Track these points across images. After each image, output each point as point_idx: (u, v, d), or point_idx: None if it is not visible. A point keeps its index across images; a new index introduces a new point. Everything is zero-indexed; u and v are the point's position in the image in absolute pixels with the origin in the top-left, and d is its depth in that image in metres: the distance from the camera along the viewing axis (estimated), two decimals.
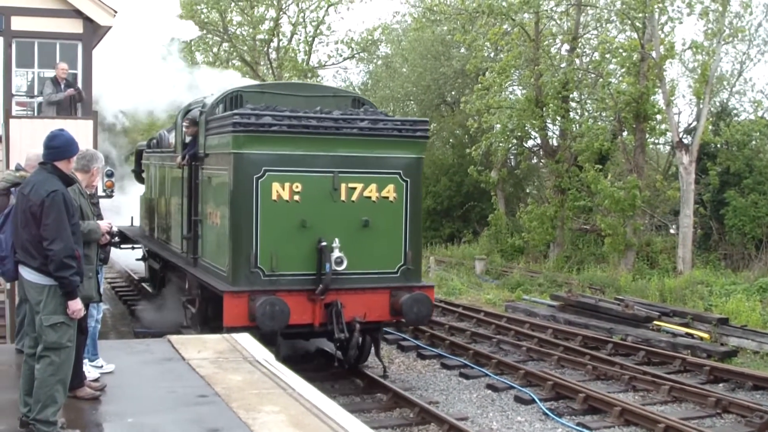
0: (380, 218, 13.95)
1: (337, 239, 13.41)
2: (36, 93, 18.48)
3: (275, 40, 45.78)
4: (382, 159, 14.02)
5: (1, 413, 7.66)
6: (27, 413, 6.92)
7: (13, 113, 17.85)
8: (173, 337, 10.94)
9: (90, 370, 8.62)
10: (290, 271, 13.52)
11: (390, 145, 14.04)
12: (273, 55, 46.50)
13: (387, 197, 14.01)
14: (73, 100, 17.24)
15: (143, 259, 22.48)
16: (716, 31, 27.80)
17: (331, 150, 13.64)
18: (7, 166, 15.86)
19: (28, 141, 15.84)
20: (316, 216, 13.52)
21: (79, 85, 17.82)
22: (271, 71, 45.22)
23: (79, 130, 14.98)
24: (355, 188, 13.77)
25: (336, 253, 13.34)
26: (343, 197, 13.70)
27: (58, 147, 7.08)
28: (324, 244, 13.34)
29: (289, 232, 13.42)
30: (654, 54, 27.53)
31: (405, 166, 14.20)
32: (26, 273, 6.89)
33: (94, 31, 18.76)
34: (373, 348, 15.12)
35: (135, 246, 22.97)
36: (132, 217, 24.52)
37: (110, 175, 21.16)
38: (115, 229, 9.02)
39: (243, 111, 13.55)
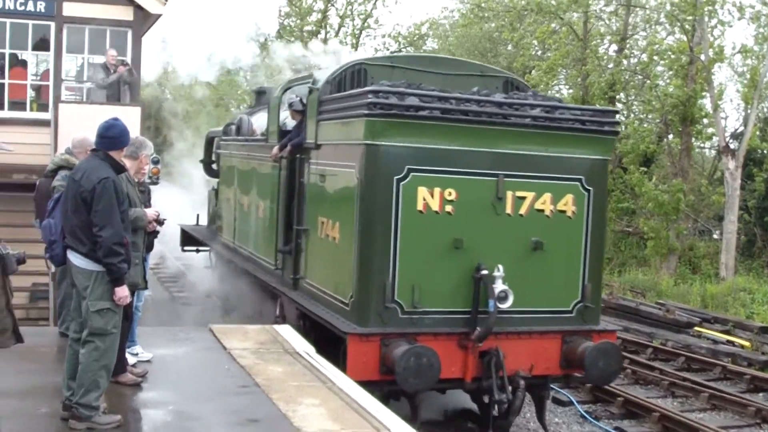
0: (554, 239, 10.73)
1: (500, 266, 10.25)
2: (85, 78, 18.65)
3: (323, 32, 45.87)
4: (560, 160, 10.75)
5: (44, 395, 7.74)
6: (70, 397, 6.97)
7: (63, 98, 18.05)
8: (215, 327, 10.98)
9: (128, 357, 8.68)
10: (437, 307, 10.34)
11: (570, 141, 10.79)
12: (319, 48, 46.50)
13: (564, 211, 10.79)
14: (124, 81, 17.34)
15: (213, 268, 19.02)
16: (767, 36, 27.48)
17: (495, 145, 10.48)
18: (55, 150, 16.04)
19: (77, 126, 15.98)
20: (473, 234, 10.36)
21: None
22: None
23: (127, 117, 15.09)
24: (524, 198, 10.59)
25: (499, 285, 10.20)
26: (508, 209, 10.52)
27: (114, 137, 7.12)
28: (485, 272, 10.20)
29: (437, 254, 10.27)
30: (703, 57, 27.27)
31: (588, 171, 10.92)
32: (74, 258, 6.94)
33: (144, 19, 18.90)
34: (533, 408, 12.02)
35: (201, 249, 20.23)
36: (198, 215, 21.37)
37: (156, 162, 17.23)
38: (163, 217, 8.59)
39: (380, 88, 10.29)
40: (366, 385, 8.86)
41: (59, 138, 16.31)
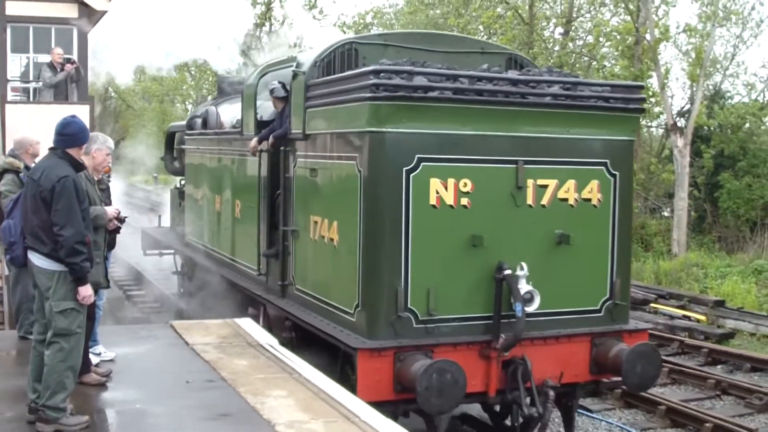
0: (579, 231, 9.71)
1: (524, 264, 9.23)
2: (32, 78, 18.43)
3: (267, 24, 45.68)
4: (583, 143, 9.79)
5: (7, 400, 7.64)
6: (36, 399, 6.89)
7: (8, 99, 17.82)
8: (176, 323, 10.92)
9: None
10: (454, 313, 9.22)
11: (593, 121, 9.79)
12: (265, 39, 46.34)
13: (589, 200, 9.81)
14: (71, 79, 17.15)
15: (180, 273, 17.86)
16: (710, 14, 27.81)
17: (512, 128, 9.42)
18: (3, 152, 15.84)
19: (25, 126, 15.82)
20: (492, 229, 9.28)
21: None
22: (263, 55, 45.04)
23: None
24: (546, 186, 9.57)
25: (524, 286, 9.18)
26: (529, 200, 9.49)
27: (71, 134, 7.03)
28: (508, 272, 9.16)
29: (453, 254, 9.18)
30: (648, 37, 27.52)
31: (613, 154, 9.94)
32: (36, 259, 6.86)
33: (89, 16, 18.69)
34: (561, 420, 10.87)
35: (164, 252, 19.02)
36: (159, 217, 20.82)
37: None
38: (123, 215, 8.33)
39: (384, 67, 9.09)
40: (379, 405, 8.01)
41: (6, 139, 16.10)
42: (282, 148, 11.28)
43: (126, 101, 63.87)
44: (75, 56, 18.03)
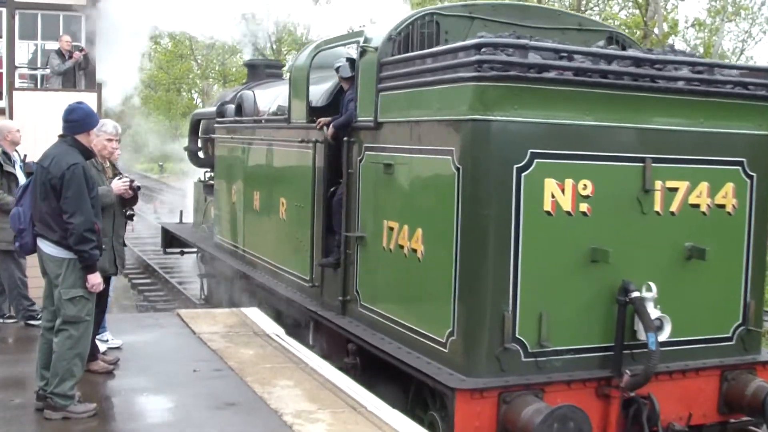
0: (713, 243, 8.18)
1: (652, 284, 7.73)
2: (39, 65, 18.40)
3: (273, 13, 45.57)
4: (717, 137, 8.21)
5: (15, 386, 7.69)
6: (44, 387, 6.91)
7: (17, 86, 17.80)
8: (183, 312, 10.93)
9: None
10: (568, 343, 7.72)
11: (729, 111, 8.21)
12: (271, 29, 46.26)
13: (723, 206, 8.30)
14: (79, 66, 17.12)
15: (207, 276, 16.30)
16: (720, 9, 27.75)
17: (640, 118, 7.87)
18: None
19: (33, 113, 15.85)
20: (615, 241, 7.74)
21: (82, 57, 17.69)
22: (269, 45, 45.04)
23: None
24: (676, 190, 8.07)
25: (653, 311, 7.68)
26: (657, 206, 7.98)
27: (77, 120, 7.03)
28: (635, 294, 7.65)
29: (569, 271, 7.68)
30: (657, 31, 27.46)
31: (750, 151, 8.39)
32: (45, 246, 6.87)
33: (97, 3, 18.63)
34: None
35: (186, 251, 17.85)
36: (181, 212, 19.25)
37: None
38: (136, 183, 8.08)
39: (494, 39, 7.55)
40: None
41: None
42: (346, 139, 9.67)
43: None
44: (83, 43, 17.99)
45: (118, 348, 8.94)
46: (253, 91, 14.23)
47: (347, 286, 9.68)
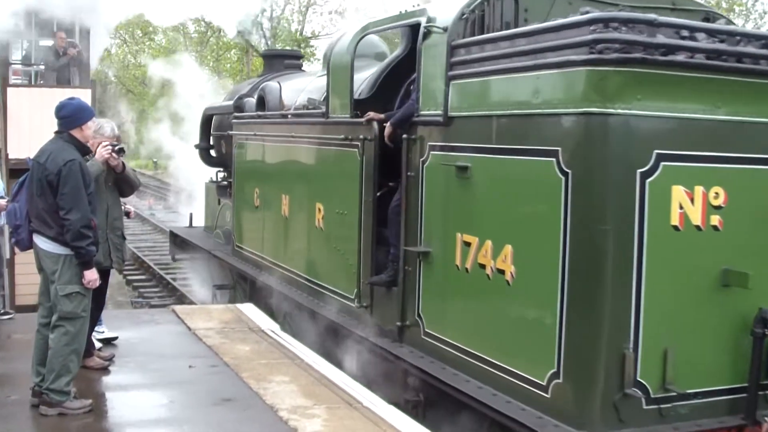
0: None
1: None
2: (33, 61, 18.44)
3: (268, 9, 45.61)
4: None
5: (11, 383, 7.68)
6: (40, 383, 6.91)
7: (10, 82, 17.81)
8: (178, 308, 10.94)
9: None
10: (696, 386, 6.41)
11: None
12: (266, 25, 46.29)
13: None
14: (74, 63, 17.13)
15: (224, 288, 14.28)
16: (714, 5, 27.78)
17: None
18: (5, 135, 15.83)
19: (27, 109, 15.85)
20: (751, 262, 6.43)
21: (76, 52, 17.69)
22: (264, 41, 45.04)
23: None
24: None
25: None
26: None
27: (68, 116, 7.02)
28: None
29: (697, 298, 6.36)
30: None
31: None
32: (41, 242, 6.87)
33: None
34: None
35: (197, 257, 16.15)
36: (191, 215, 18.07)
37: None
38: (118, 146, 7.85)
39: (613, 14, 6.27)
40: None
41: (9, 122, 16.09)
42: (405, 136, 8.26)
43: (126, 86, 63.73)
44: (77, 39, 17.99)
45: (113, 344, 8.94)
46: (279, 83, 12.86)
47: (406, 309, 8.29)
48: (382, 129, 8.77)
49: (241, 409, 7.14)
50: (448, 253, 7.61)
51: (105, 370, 8.12)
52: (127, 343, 9.05)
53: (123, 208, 8.32)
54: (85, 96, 16.33)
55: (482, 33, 7.69)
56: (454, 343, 7.52)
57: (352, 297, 9.39)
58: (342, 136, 9.54)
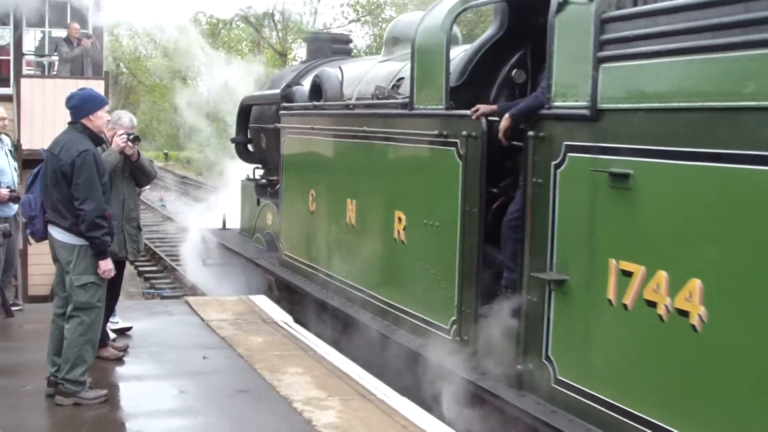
0: None
1: None
2: (47, 52, 18.46)
3: (280, 1, 45.59)
4: None
5: (26, 372, 7.72)
6: (55, 373, 6.93)
7: (24, 73, 17.85)
8: (191, 299, 10.96)
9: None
10: None
11: None
12: (278, 17, 46.29)
13: None
14: (87, 53, 17.14)
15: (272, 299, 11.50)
16: None
17: None
18: (19, 125, 15.86)
19: (40, 100, 15.88)
20: None
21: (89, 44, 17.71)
22: (276, 33, 45.06)
23: None
24: None
25: None
26: None
27: (75, 106, 7.01)
28: None
29: None
30: None
31: None
32: (56, 233, 6.88)
33: None
34: None
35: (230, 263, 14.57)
36: (224, 216, 16.05)
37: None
38: (133, 135, 7.89)
39: None
40: None
41: (22, 112, 16.13)
42: (532, 133, 6.60)
43: (137, 77, 63.81)
44: (91, 30, 18.02)
45: (127, 335, 8.96)
46: (340, 68, 11.23)
47: (529, 349, 6.68)
48: (489, 124, 7.31)
49: (255, 400, 7.14)
50: (596, 284, 6.00)
51: (119, 361, 8.14)
52: (141, 334, 9.08)
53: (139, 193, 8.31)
54: (98, 87, 16.34)
55: (634, 5, 6.10)
56: (604, 398, 5.91)
57: (447, 327, 7.76)
58: (435, 132, 7.91)
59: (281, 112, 12.18)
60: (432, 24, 8.14)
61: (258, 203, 14.10)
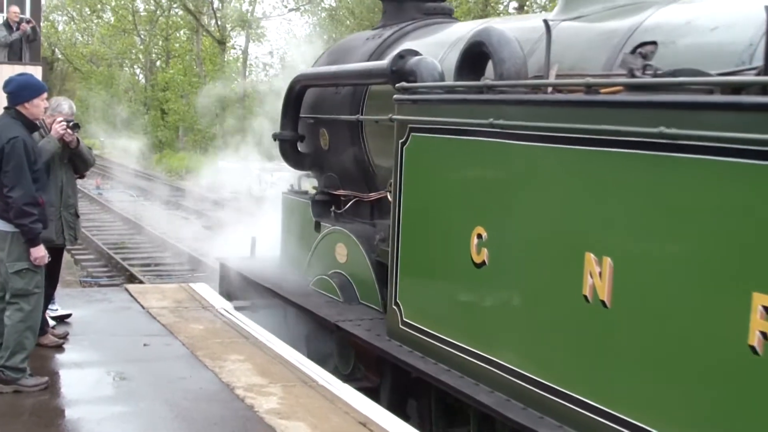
0: None
1: None
2: None
3: None
4: None
5: None
6: None
7: None
8: (131, 286, 10.90)
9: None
10: None
11: None
12: (216, 5, 45.98)
13: None
14: (26, 38, 16.91)
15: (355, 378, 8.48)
16: None
17: None
18: None
19: None
20: None
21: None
22: (215, 21, 44.77)
23: None
24: None
25: None
26: None
27: (13, 92, 6.96)
28: None
29: None
30: None
31: None
32: None
33: None
34: None
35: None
36: (253, 240, 11.46)
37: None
38: (72, 122, 7.82)
39: None
40: None
41: None
42: None
43: (73, 63, 63.03)
44: (28, 14, 17.78)
45: (67, 322, 8.89)
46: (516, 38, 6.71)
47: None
48: None
49: (197, 386, 7.14)
50: None
51: (59, 348, 8.08)
52: (80, 322, 9.01)
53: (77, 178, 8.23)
54: (35, 72, 16.18)
55: None
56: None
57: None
58: None
59: (396, 97, 7.62)
60: None
61: (317, 228, 10.05)
